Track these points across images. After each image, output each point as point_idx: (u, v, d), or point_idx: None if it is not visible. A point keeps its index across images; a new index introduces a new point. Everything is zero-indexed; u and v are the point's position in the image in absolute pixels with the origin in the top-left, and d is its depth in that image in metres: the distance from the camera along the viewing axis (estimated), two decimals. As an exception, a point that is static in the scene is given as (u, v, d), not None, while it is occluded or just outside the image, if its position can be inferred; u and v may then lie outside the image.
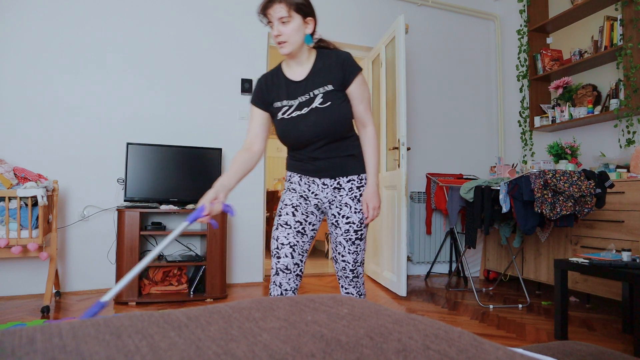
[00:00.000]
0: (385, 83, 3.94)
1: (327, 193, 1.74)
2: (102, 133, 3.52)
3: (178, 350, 0.43)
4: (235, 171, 1.64)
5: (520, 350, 0.55)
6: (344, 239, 1.74)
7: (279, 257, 1.70)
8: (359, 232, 1.75)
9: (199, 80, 3.81)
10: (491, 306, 3.20)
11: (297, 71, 1.68)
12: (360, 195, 1.74)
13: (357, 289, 1.81)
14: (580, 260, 2.41)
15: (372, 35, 4.37)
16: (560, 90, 3.89)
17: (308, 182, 1.75)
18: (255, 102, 1.73)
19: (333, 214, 1.76)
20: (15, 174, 2.99)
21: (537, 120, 4.14)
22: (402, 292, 3.43)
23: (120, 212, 3.14)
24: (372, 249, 4.20)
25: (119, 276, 3.10)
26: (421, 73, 4.59)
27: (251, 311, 0.58)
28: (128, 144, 3.37)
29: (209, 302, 3.26)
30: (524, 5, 4.37)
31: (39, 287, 3.28)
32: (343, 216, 1.73)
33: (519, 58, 4.49)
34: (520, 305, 3.23)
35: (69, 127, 3.44)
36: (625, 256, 2.29)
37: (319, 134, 1.65)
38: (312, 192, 1.75)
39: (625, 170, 3.17)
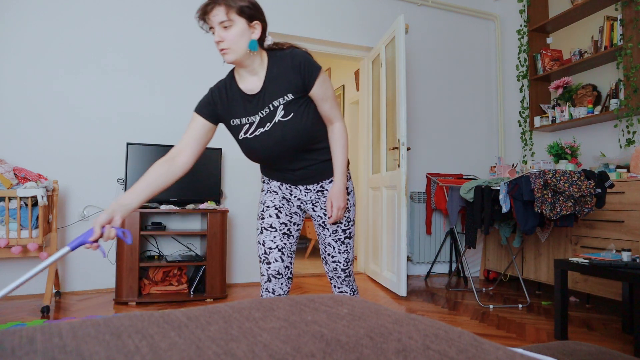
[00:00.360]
0: (385, 83, 3.94)
1: (310, 196, 1.68)
2: (102, 133, 3.52)
3: (178, 350, 0.43)
4: (144, 188, 1.40)
5: (520, 350, 0.55)
6: (333, 239, 1.70)
7: (269, 263, 1.62)
8: (347, 231, 1.70)
9: (199, 80, 3.80)
10: (491, 306, 3.20)
11: (251, 82, 1.52)
12: (347, 193, 1.67)
13: (351, 287, 1.78)
14: (580, 260, 2.41)
15: (372, 35, 4.37)
16: (560, 90, 3.89)
17: (290, 187, 1.68)
18: (201, 111, 1.54)
19: (319, 215, 1.70)
20: (15, 174, 2.99)
21: (537, 120, 4.14)
22: (402, 292, 3.43)
23: (120, 212, 3.13)
24: (372, 249, 4.20)
25: (118, 276, 3.10)
26: (421, 73, 4.59)
27: (251, 311, 0.58)
28: (128, 144, 3.37)
29: (209, 302, 3.26)
30: (524, 5, 4.37)
31: (39, 287, 3.28)
32: (329, 217, 1.65)
33: (519, 58, 4.49)
34: (520, 305, 3.23)
35: (69, 127, 3.44)
36: (625, 256, 2.29)
37: (288, 148, 1.53)
38: (295, 196, 1.69)
39: (625, 170, 3.17)
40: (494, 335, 2.54)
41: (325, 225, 1.69)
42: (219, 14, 1.39)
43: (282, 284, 1.63)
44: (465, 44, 4.81)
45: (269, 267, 1.63)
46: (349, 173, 1.70)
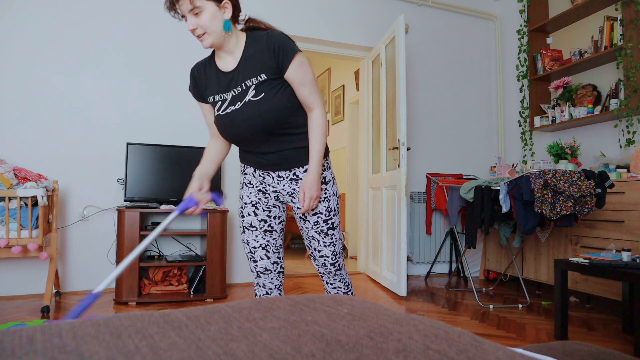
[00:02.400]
0: (385, 83, 3.94)
1: (284, 185, 1.63)
2: (102, 133, 3.52)
3: (178, 350, 0.43)
4: (211, 159, 1.64)
5: (520, 350, 0.55)
6: (316, 232, 1.64)
7: (255, 261, 1.67)
8: (330, 221, 1.63)
9: (199, 80, 3.80)
10: (491, 306, 3.20)
11: (227, 60, 1.53)
12: (323, 183, 1.63)
13: (344, 281, 1.74)
14: (580, 260, 2.41)
15: (372, 35, 4.37)
16: (560, 90, 3.89)
17: (263, 174, 1.65)
18: (194, 94, 1.65)
19: (298, 207, 1.64)
20: (15, 174, 2.99)
21: (537, 120, 4.14)
22: (402, 292, 3.43)
23: (120, 212, 3.14)
24: (372, 249, 4.20)
25: (119, 276, 3.10)
26: (421, 73, 4.59)
27: (251, 311, 0.58)
28: (128, 144, 3.37)
29: (209, 302, 3.26)
30: (524, 5, 4.37)
31: (39, 287, 3.28)
32: (301, 207, 1.60)
33: (519, 58, 4.49)
34: (520, 305, 3.23)
35: (69, 127, 3.44)
36: (625, 256, 2.29)
37: (257, 129, 1.51)
38: (269, 185, 1.66)
39: (625, 170, 3.17)
40: (494, 335, 2.54)
41: (306, 217, 1.64)
42: (185, 2, 1.39)
43: (272, 278, 1.68)
44: (465, 44, 4.81)
45: (256, 265, 1.67)
46: (328, 162, 1.68)
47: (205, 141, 3.72)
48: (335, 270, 1.70)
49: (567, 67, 3.86)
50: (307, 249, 1.73)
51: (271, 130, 1.53)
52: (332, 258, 1.67)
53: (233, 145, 1.73)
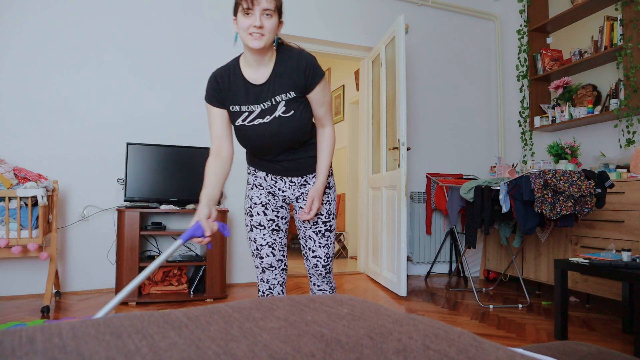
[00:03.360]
0: (385, 83, 3.94)
1: (294, 190, 1.73)
2: (102, 133, 3.52)
3: (178, 350, 0.43)
4: (217, 181, 1.57)
5: (520, 350, 0.55)
6: (313, 231, 1.73)
7: (261, 257, 1.73)
8: (328, 224, 1.74)
9: (199, 80, 3.80)
10: (491, 306, 3.20)
11: (258, 72, 1.57)
12: (329, 188, 1.73)
13: (330, 284, 1.82)
14: (580, 260, 2.41)
15: (372, 35, 4.37)
16: (560, 90, 3.89)
17: (275, 178, 1.72)
18: (211, 100, 1.62)
19: (301, 207, 1.75)
20: (15, 174, 2.99)
21: (537, 120, 4.14)
22: (402, 292, 3.43)
23: (120, 212, 3.14)
24: (372, 249, 4.20)
25: (119, 276, 3.10)
26: (421, 73, 4.59)
27: (251, 311, 0.58)
28: (128, 144, 3.37)
29: (209, 302, 3.26)
30: (524, 5, 4.37)
31: (39, 287, 3.28)
32: (308, 212, 1.69)
33: (519, 58, 4.49)
34: (520, 305, 3.23)
35: (69, 127, 3.44)
36: (625, 256, 2.29)
37: (284, 142, 1.61)
38: (279, 189, 1.73)
39: (625, 170, 3.17)
40: (494, 335, 2.54)
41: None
42: (268, 2, 1.45)
43: (276, 274, 1.74)
44: (465, 44, 4.81)
45: (262, 261, 1.73)
46: (331, 169, 1.76)
47: (205, 141, 3.72)
48: (325, 273, 1.78)
49: (567, 67, 3.86)
50: (302, 249, 1.81)
51: (293, 143, 1.63)
52: (324, 260, 1.75)
53: (235, 150, 1.73)
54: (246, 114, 1.59)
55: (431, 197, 4.31)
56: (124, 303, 3.09)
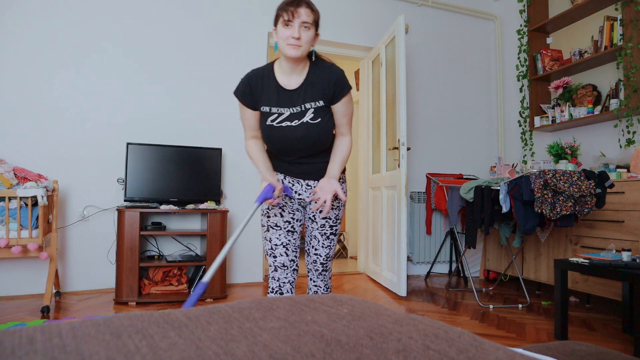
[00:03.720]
0: (385, 83, 3.94)
1: (309, 193, 1.83)
2: (102, 133, 3.52)
3: (178, 350, 0.43)
4: (263, 156, 1.77)
5: (520, 350, 0.55)
6: (319, 233, 1.84)
7: (275, 256, 1.81)
8: (334, 228, 1.86)
9: (199, 80, 3.80)
10: (491, 306, 3.20)
11: (291, 79, 1.69)
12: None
13: (325, 282, 1.93)
14: (580, 260, 2.41)
15: (372, 35, 4.37)
16: (560, 90, 3.89)
17: (292, 181, 1.83)
18: (245, 102, 1.73)
19: (311, 209, 1.81)
20: (15, 174, 2.99)
21: (537, 120, 4.14)
22: (402, 292, 3.43)
23: (120, 212, 3.14)
24: (372, 249, 4.20)
25: (119, 276, 3.10)
26: (421, 73, 4.59)
27: (251, 311, 0.58)
28: (128, 144, 3.37)
29: (209, 302, 3.26)
30: (524, 5, 4.37)
31: (39, 287, 3.28)
32: (320, 212, 1.81)
33: (519, 58, 4.49)
34: (520, 305, 3.23)
35: (69, 127, 3.44)
36: (625, 256, 2.29)
37: (309, 146, 1.72)
38: (296, 192, 1.84)
39: (625, 170, 3.17)
40: (494, 335, 2.54)
41: (315, 219, 1.84)
42: (307, 15, 1.59)
43: (287, 274, 1.82)
44: (465, 44, 4.81)
45: (275, 260, 1.81)
46: (343, 175, 1.89)
47: (206, 141, 3.72)
48: (322, 270, 1.89)
49: (567, 67, 3.86)
50: (306, 245, 1.92)
51: (315, 149, 1.75)
52: (324, 258, 1.87)
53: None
54: (275, 115, 1.70)
55: (431, 197, 4.31)
56: (123, 303, 3.09)
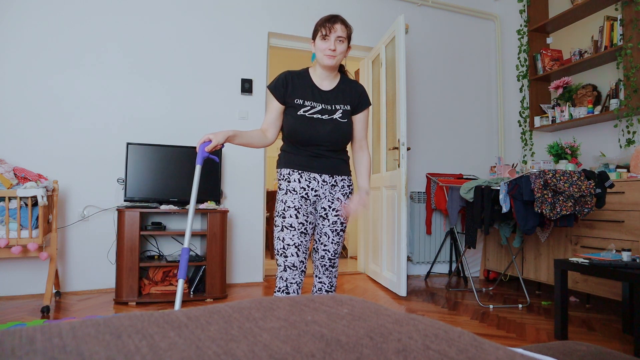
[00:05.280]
0: (385, 83, 3.94)
1: (325, 190, 1.94)
2: (102, 133, 3.52)
3: (178, 350, 0.43)
4: (249, 133, 1.86)
5: (520, 350, 0.55)
6: (330, 229, 1.95)
7: (286, 256, 1.87)
8: (344, 225, 1.98)
9: (199, 80, 3.81)
10: (491, 306, 3.20)
11: (324, 83, 1.94)
12: (350, 192, 1.99)
13: (330, 279, 2.00)
14: (580, 260, 2.41)
15: (372, 35, 4.37)
16: (560, 90, 3.89)
17: (309, 178, 1.92)
18: (276, 94, 1.89)
19: (323, 207, 1.95)
20: (15, 174, 2.99)
21: (537, 120, 4.14)
22: (402, 292, 3.43)
23: (120, 212, 3.14)
24: (372, 249, 4.20)
25: (118, 276, 3.10)
26: (421, 73, 4.59)
27: (251, 311, 0.58)
28: (128, 143, 3.37)
29: (209, 302, 3.26)
30: (524, 5, 4.37)
31: (39, 287, 3.28)
32: (333, 209, 1.94)
33: (519, 58, 4.49)
34: (520, 305, 3.23)
35: (69, 127, 3.44)
36: (625, 256, 2.29)
37: (331, 141, 1.89)
38: (312, 189, 1.91)
39: (625, 170, 3.17)
40: (494, 335, 2.54)
41: (327, 216, 1.94)
42: (342, 30, 1.84)
43: (295, 275, 1.87)
44: (465, 44, 4.81)
45: (286, 260, 1.87)
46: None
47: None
48: (329, 266, 1.97)
49: (567, 67, 3.86)
50: (315, 243, 2.00)
51: (336, 145, 1.93)
52: (332, 254, 1.96)
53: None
54: (309, 107, 1.89)
55: (431, 197, 4.31)
56: (123, 303, 3.09)
